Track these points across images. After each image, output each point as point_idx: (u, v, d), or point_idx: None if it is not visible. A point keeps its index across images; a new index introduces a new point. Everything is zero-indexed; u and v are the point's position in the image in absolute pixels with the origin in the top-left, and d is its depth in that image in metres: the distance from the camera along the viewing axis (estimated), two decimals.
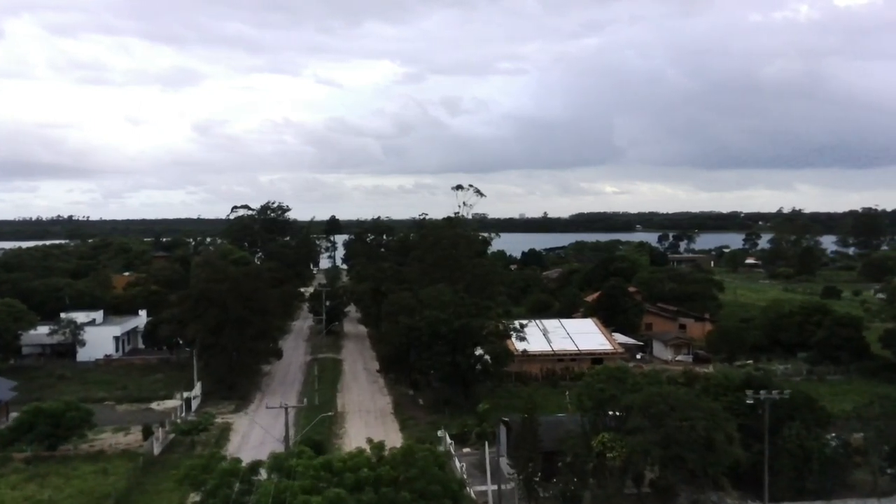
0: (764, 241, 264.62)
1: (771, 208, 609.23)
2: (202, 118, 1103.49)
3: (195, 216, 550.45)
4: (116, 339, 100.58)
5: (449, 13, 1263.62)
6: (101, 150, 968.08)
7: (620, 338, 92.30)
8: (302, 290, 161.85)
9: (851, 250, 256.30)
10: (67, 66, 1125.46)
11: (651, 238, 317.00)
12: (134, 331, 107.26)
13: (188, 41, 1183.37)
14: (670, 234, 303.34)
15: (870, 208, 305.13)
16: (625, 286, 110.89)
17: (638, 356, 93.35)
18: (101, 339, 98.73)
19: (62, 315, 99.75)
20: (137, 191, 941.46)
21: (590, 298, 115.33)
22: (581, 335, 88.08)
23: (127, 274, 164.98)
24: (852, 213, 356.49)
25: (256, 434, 65.33)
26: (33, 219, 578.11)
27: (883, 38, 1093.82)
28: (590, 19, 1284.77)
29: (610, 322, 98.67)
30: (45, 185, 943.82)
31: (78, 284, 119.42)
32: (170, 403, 77.57)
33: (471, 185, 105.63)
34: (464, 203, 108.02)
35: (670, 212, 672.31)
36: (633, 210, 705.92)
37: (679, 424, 39.82)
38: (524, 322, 78.60)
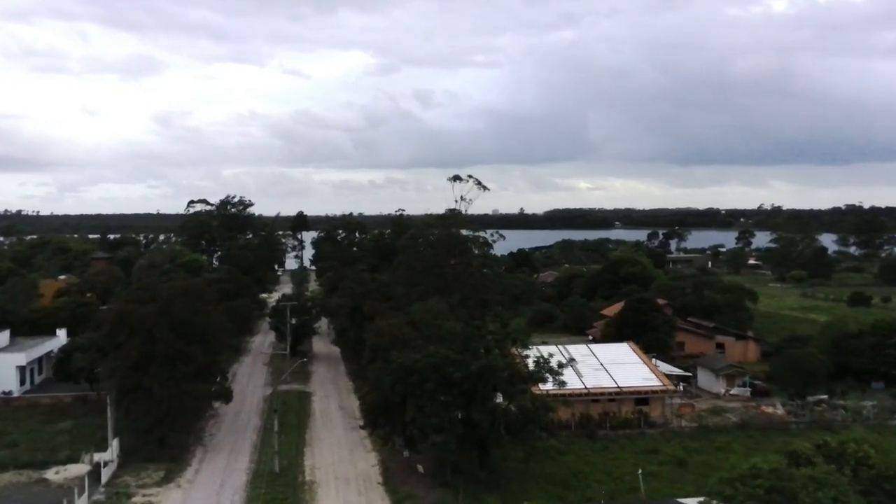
0: (760, 240, 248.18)
1: (745, 205, 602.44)
2: (163, 109, 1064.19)
3: (154, 211, 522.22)
4: (22, 369, 79.01)
5: (425, 2, 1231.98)
6: (57, 141, 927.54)
7: (663, 366, 73.45)
8: (265, 296, 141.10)
9: (852, 249, 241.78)
10: (21, 52, 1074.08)
11: (631, 235, 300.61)
12: (48, 356, 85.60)
13: (149, 28, 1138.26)
14: (660, 233, 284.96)
15: (853, 205, 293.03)
16: (651, 298, 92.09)
17: (680, 387, 74.22)
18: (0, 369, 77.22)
19: None
20: (95, 184, 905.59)
21: (607, 311, 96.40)
22: (618, 366, 69.08)
23: (63, 278, 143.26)
24: (836, 210, 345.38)
25: None
26: None
27: (855, 34, 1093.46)
28: (567, 11, 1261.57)
29: (636, 342, 79.90)
30: None
31: None
32: (74, 470, 56.77)
33: (470, 177, 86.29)
34: (461, 197, 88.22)
35: (646, 208, 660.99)
36: (608, 206, 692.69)
37: None
38: (562, 358, 58.80)
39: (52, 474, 56.20)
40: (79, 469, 56.47)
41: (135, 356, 59.46)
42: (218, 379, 68.68)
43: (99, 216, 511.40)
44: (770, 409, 67.02)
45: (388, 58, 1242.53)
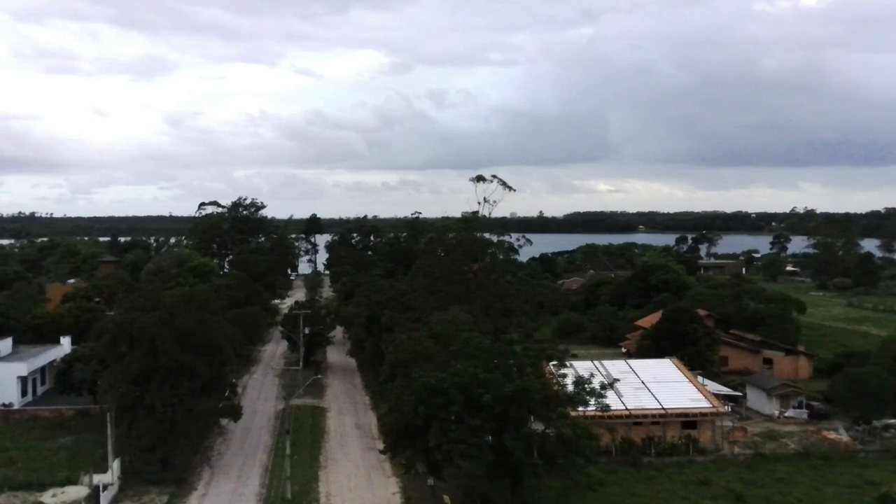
0: (796, 245, 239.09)
1: (774, 208, 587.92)
2: (174, 110, 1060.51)
3: (167, 213, 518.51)
4: (23, 379, 74.31)
5: None
6: (69, 142, 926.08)
7: (710, 385, 67.52)
8: (277, 302, 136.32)
9: None
10: (33, 53, 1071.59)
11: (657, 240, 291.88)
12: (51, 365, 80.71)
13: (160, 28, 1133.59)
14: (689, 237, 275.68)
15: (893, 208, 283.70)
16: (691, 308, 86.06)
17: (727, 407, 67.87)
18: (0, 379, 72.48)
19: None
20: (107, 186, 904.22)
21: (642, 322, 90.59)
22: (661, 385, 63.28)
23: (72, 282, 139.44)
24: (875, 214, 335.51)
25: None
26: None
27: (889, 28, 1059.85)
28: (586, 7, 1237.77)
29: (676, 356, 74.00)
30: (10, 180, 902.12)
31: None
32: (72, 492, 52.24)
33: (494, 177, 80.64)
34: (485, 199, 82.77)
35: (670, 211, 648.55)
36: (630, 209, 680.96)
37: None
38: (601, 377, 53.07)
39: (48, 497, 51.89)
40: (77, 492, 52.26)
41: (136, 369, 54.85)
42: (226, 394, 63.92)
43: (111, 218, 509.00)
44: (832, 435, 60.85)
45: (401, 57, 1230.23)
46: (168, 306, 56.30)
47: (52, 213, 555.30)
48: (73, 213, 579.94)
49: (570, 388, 49.68)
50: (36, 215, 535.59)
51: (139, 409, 55.25)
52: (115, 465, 53.83)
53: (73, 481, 53.87)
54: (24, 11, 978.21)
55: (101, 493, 50.39)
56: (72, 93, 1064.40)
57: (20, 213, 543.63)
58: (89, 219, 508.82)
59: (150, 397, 54.55)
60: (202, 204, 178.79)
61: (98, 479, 51.79)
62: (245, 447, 63.06)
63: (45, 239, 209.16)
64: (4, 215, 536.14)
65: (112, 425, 55.91)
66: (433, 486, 51.45)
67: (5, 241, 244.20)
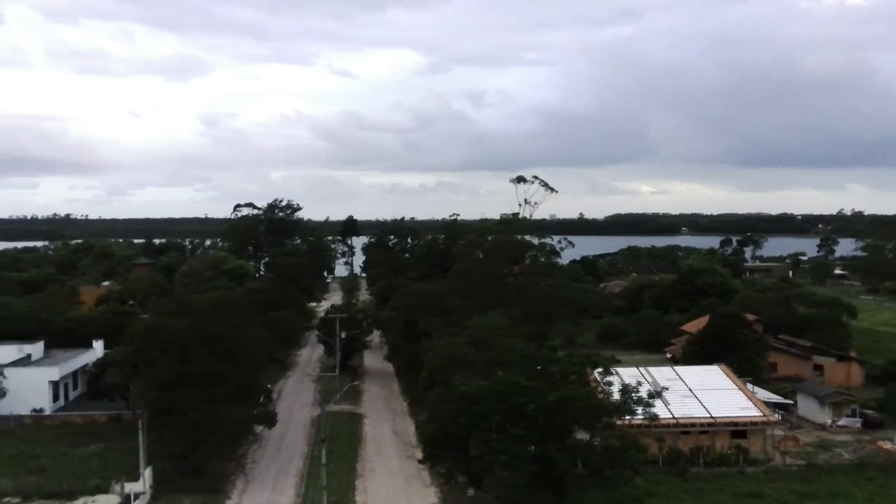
0: (844, 248, 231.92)
1: (821, 209, 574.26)
2: (209, 111, 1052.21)
3: (202, 215, 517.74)
4: (55, 384, 73.75)
5: None
6: (103, 144, 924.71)
7: (760, 393, 64.55)
8: (313, 305, 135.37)
9: None
10: (66, 54, 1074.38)
11: (700, 242, 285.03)
12: (84, 370, 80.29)
13: (193, 28, 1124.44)
14: (733, 239, 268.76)
15: None
16: (739, 312, 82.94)
17: (777, 415, 64.65)
18: (31, 385, 71.56)
19: None
20: (142, 188, 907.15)
21: (688, 327, 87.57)
22: (709, 392, 60.44)
23: (106, 284, 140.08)
24: None
25: None
26: (29, 217, 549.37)
27: None
28: (624, 6, 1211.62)
29: (724, 363, 71.03)
30: (45, 182, 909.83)
31: (19, 303, 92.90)
32: (103, 501, 51.51)
33: (535, 178, 78.48)
34: (525, 200, 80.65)
35: (713, 213, 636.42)
36: (672, 211, 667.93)
37: None
38: (648, 384, 50.74)
39: None
40: (108, 500, 51.36)
41: (167, 375, 53.74)
42: (261, 400, 62.81)
43: (147, 220, 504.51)
44: (888, 445, 57.55)
45: (437, 56, 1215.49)
46: (198, 311, 55.23)
47: (86, 215, 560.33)
48: (107, 215, 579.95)
49: (617, 396, 47.48)
50: (71, 217, 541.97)
51: (171, 416, 54.21)
52: (147, 472, 52.76)
53: (103, 489, 52.86)
54: (56, 11, 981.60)
55: (132, 501, 49.61)
56: (105, 93, 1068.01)
57: (55, 214, 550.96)
58: (124, 220, 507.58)
59: (181, 404, 53.42)
60: (237, 206, 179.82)
61: (129, 487, 50.94)
62: (280, 455, 61.68)
63: (80, 241, 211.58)
64: (39, 217, 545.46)
65: (144, 432, 54.85)
66: (473, 496, 49.48)
67: (39, 243, 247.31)
